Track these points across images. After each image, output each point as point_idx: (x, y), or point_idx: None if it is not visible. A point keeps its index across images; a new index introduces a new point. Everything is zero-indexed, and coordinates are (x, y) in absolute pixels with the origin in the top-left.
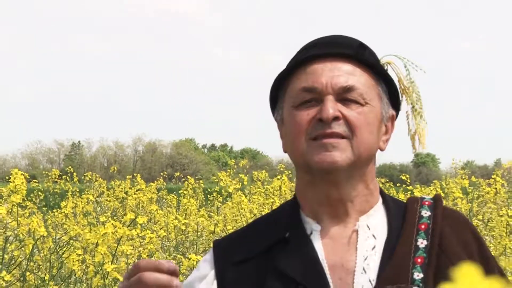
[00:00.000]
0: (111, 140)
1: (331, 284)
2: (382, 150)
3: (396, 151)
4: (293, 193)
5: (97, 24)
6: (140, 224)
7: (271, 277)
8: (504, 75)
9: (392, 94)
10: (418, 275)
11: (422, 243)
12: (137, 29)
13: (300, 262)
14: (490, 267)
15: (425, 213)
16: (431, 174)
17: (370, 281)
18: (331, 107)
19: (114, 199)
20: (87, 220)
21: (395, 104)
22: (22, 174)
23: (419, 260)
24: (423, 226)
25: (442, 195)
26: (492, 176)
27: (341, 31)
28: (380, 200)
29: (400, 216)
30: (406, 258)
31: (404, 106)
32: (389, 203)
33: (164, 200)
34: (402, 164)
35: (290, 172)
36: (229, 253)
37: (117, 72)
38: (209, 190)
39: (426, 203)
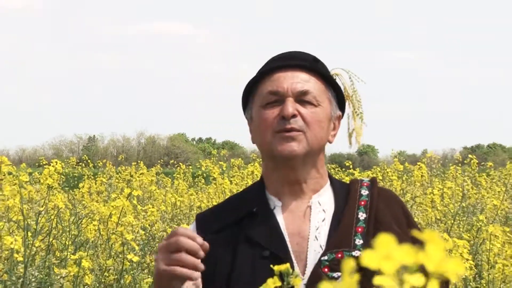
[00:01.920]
0: (119, 134)
1: (290, 248)
2: (330, 142)
3: (344, 144)
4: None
5: (106, 41)
6: (137, 197)
7: (242, 243)
8: (430, 83)
9: (339, 99)
10: (359, 242)
11: (362, 216)
12: (138, 45)
13: (265, 231)
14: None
15: (364, 192)
16: (371, 161)
17: (320, 246)
18: (291, 107)
19: (122, 181)
20: (101, 198)
21: (342, 107)
22: (60, 163)
23: (359, 229)
24: (362, 203)
25: (380, 177)
26: (418, 163)
27: (319, 45)
28: (329, 182)
29: (344, 195)
30: (349, 228)
31: (347, 109)
32: (336, 185)
33: (161, 182)
34: (349, 154)
35: (260, 160)
36: (209, 223)
37: (122, 80)
38: (196, 174)
39: (365, 184)
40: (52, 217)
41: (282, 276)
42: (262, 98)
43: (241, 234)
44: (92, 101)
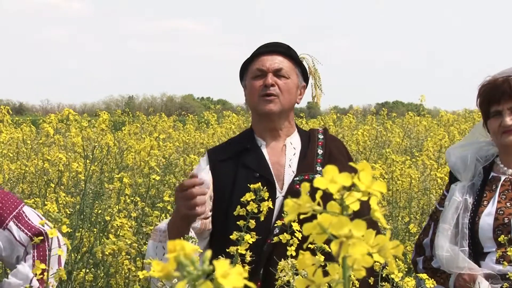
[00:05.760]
0: (149, 94)
1: (272, 172)
2: (298, 103)
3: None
4: (249, 123)
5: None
6: (162, 139)
7: (240, 168)
8: (361, 57)
9: (304, 74)
10: (319, 168)
11: (320, 151)
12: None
13: (256, 160)
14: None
15: (320, 136)
16: (316, 112)
17: (293, 171)
18: (270, 79)
19: (150, 126)
20: (136, 137)
21: (306, 80)
22: (107, 114)
23: (319, 160)
24: (320, 143)
25: (322, 124)
26: (348, 114)
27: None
28: (296, 129)
29: (306, 138)
30: (312, 159)
31: (312, 81)
32: (301, 131)
33: (176, 126)
34: (301, 108)
35: (244, 112)
36: (216, 155)
37: (152, 60)
38: (200, 121)
39: (320, 131)
40: (104, 150)
41: (255, 192)
42: (252, 73)
43: (239, 162)
44: (131, 72)
